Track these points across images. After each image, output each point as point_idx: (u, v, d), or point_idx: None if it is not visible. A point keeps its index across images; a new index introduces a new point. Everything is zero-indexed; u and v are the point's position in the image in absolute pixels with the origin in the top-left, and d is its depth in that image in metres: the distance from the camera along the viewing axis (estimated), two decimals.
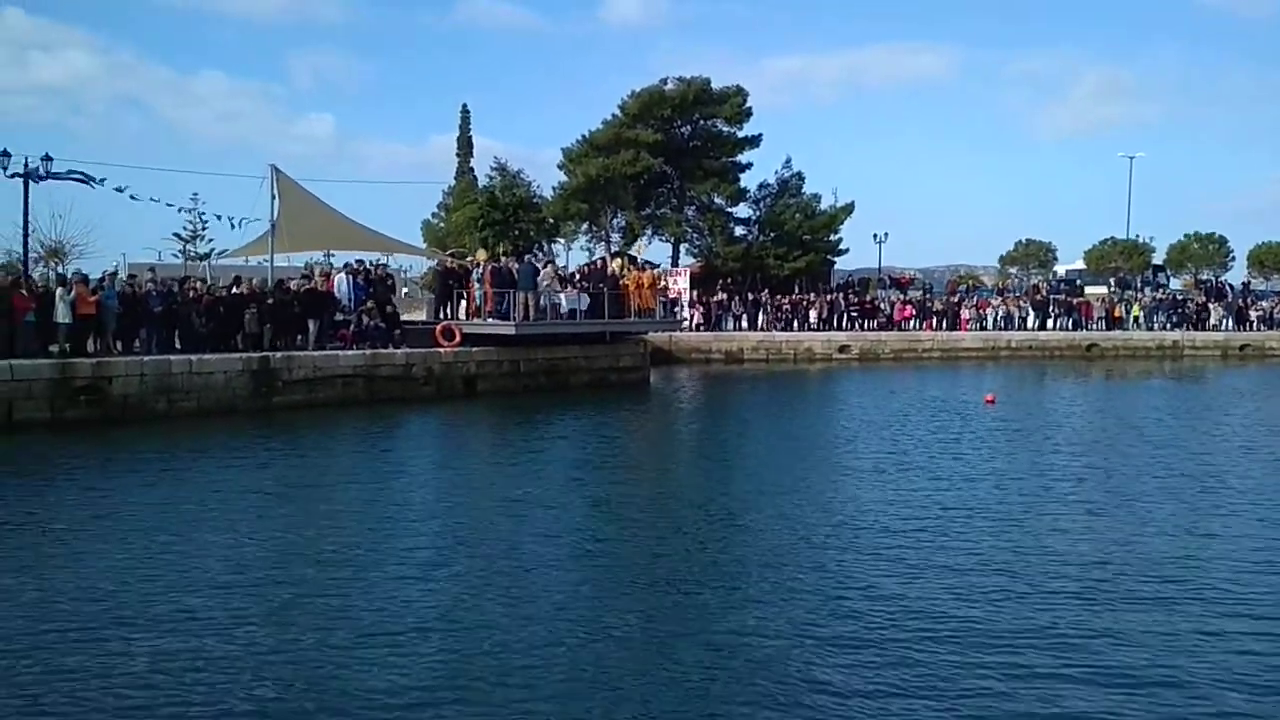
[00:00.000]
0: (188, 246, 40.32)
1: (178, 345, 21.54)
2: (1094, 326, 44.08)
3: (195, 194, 39.92)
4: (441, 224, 59.66)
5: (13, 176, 20.63)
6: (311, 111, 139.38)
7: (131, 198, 25.63)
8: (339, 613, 8.54)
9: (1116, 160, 71.23)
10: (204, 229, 39.73)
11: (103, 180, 23.04)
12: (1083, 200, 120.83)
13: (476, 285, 26.08)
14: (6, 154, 20.52)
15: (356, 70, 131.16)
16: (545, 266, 27.70)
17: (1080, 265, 63.81)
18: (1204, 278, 59.90)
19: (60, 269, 29.88)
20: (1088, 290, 51.09)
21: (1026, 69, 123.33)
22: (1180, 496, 13.58)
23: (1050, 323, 43.94)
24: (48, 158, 21.47)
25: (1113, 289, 51.23)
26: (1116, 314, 44.83)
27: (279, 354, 22.00)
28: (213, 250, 37.20)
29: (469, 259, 29.10)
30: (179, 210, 27.18)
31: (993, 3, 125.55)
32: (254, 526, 11.49)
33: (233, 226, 25.01)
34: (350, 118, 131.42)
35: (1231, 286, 53.84)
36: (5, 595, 8.89)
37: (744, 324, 41.30)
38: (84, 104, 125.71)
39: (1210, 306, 46.80)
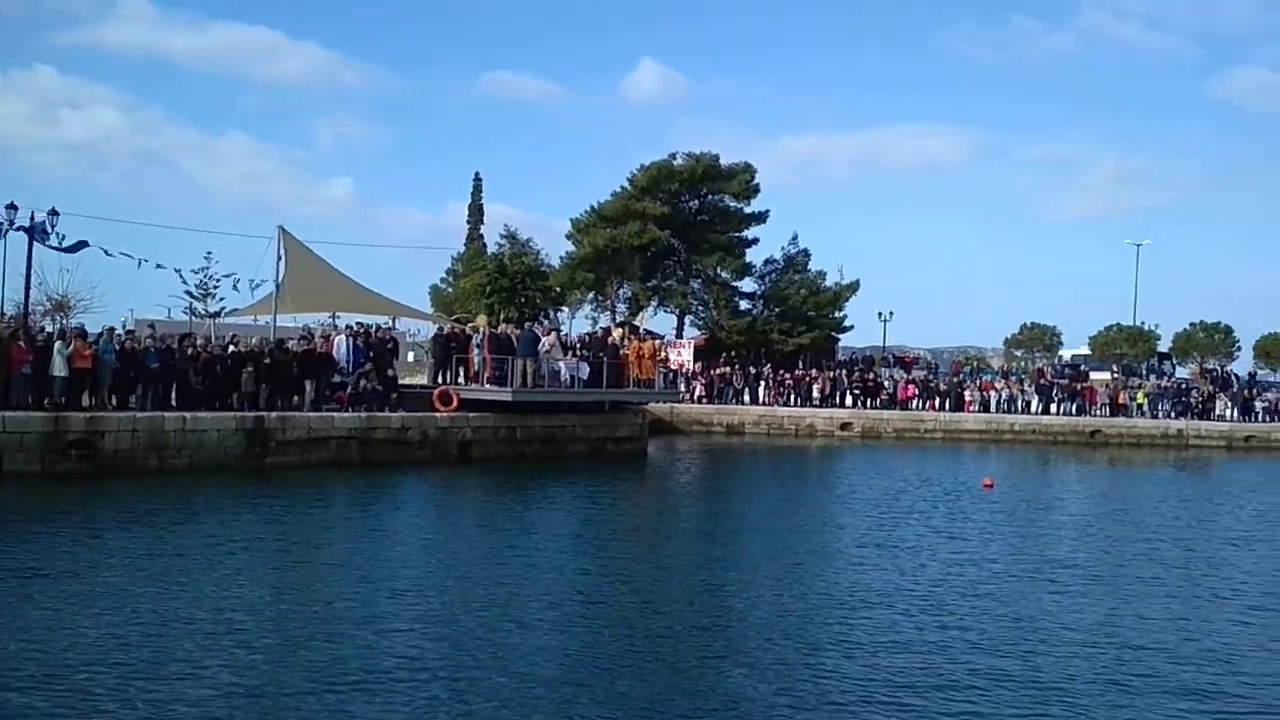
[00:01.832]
0: (195, 305, 40.56)
1: (174, 402, 21.54)
2: (1098, 412, 43.86)
3: (209, 253, 40.32)
4: (449, 289, 60.05)
5: (18, 230, 20.88)
6: (331, 175, 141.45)
7: (141, 261, 26.10)
8: (322, 667, 8.51)
9: (1124, 246, 71.63)
10: (215, 287, 40.07)
11: (88, 246, 23.45)
12: (1089, 285, 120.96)
13: (476, 351, 26.12)
14: (13, 206, 20.80)
15: (377, 136, 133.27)
16: (547, 334, 27.73)
17: (1085, 350, 63.74)
18: (1209, 366, 59.70)
19: (65, 322, 30.04)
20: (1092, 376, 50.96)
21: (1041, 153, 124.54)
22: (1165, 587, 13.44)
23: (1054, 407, 43.75)
24: (54, 212, 21.78)
25: (1116, 375, 51.07)
26: (1121, 400, 44.61)
27: (273, 414, 21.98)
28: (222, 309, 37.41)
29: (470, 324, 29.20)
30: (175, 271, 27.42)
31: (1010, 87, 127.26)
32: (239, 583, 11.41)
33: (234, 287, 25.18)
34: (369, 182, 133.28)
35: (1237, 376, 53.67)
36: None
37: (746, 397, 41.24)
38: (109, 160, 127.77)
39: (1216, 396, 46.59)
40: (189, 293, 39.79)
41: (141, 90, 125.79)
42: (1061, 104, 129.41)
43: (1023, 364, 60.36)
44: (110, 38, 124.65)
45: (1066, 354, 65.06)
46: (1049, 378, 47.44)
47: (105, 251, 25.20)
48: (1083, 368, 54.80)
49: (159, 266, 27.50)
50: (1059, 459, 35.05)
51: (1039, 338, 68.45)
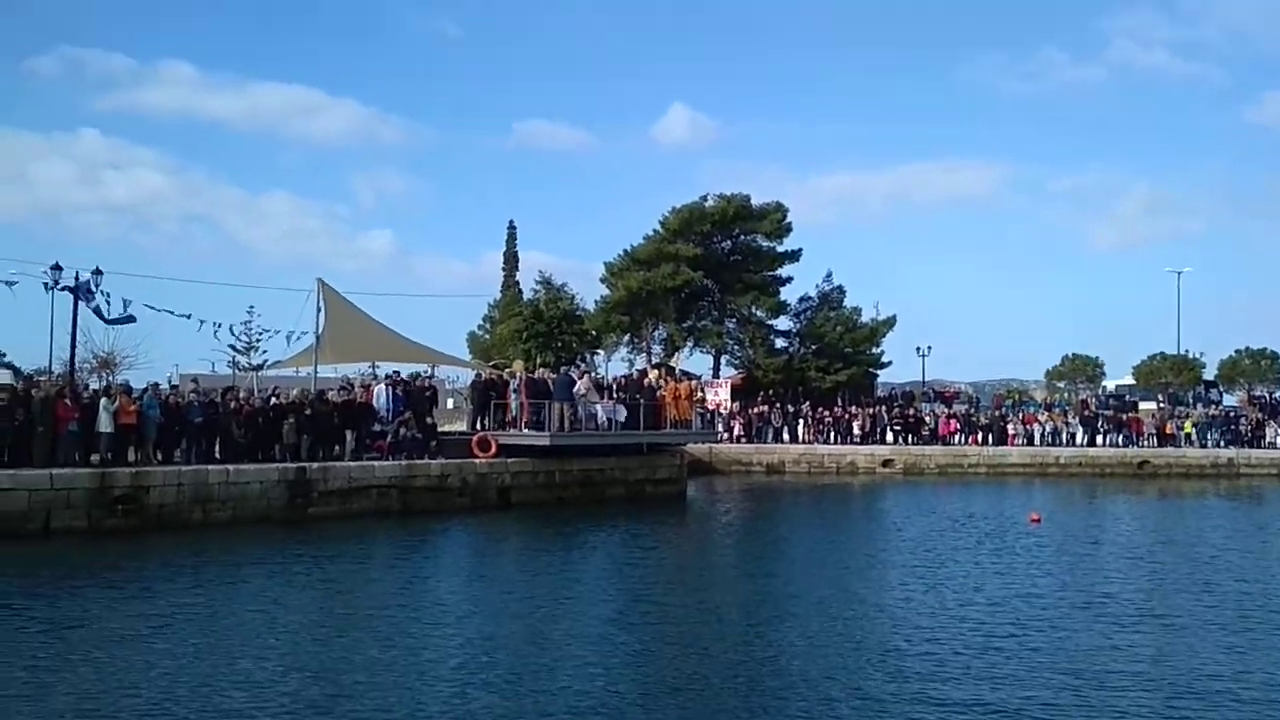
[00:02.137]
0: (237, 358, 41.35)
1: (218, 455, 21.77)
2: (1145, 443, 43.06)
3: (251, 307, 41.27)
4: (487, 336, 60.48)
5: (63, 290, 21.36)
6: (372, 228, 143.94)
7: (182, 316, 26.65)
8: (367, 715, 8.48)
9: (1164, 275, 70.73)
10: (258, 341, 40.93)
11: (134, 321, 24.09)
12: (1131, 315, 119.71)
13: (513, 396, 26.21)
14: (58, 267, 21.30)
15: (415, 189, 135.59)
16: (581, 378, 27.78)
17: (1129, 380, 62.80)
18: (1258, 393, 58.49)
19: (111, 379, 30.60)
20: (1140, 406, 50.14)
21: (1072, 184, 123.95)
22: (1219, 620, 13.10)
23: (1100, 439, 43.02)
24: (98, 271, 22.29)
25: (1163, 405, 50.18)
26: (1168, 430, 43.78)
27: (315, 464, 22.14)
28: (265, 361, 38.09)
29: (507, 370, 29.35)
30: (214, 326, 27.95)
31: (1039, 119, 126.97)
32: (285, 634, 11.50)
33: (265, 337, 25.36)
34: (409, 234, 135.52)
35: None
36: (39, 693, 8.88)
37: (785, 436, 40.96)
38: (153, 221, 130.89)
39: (1266, 423, 45.59)
40: (232, 346, 40.65)
41: (185, 151, 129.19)
42: (1091, 135, 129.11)
43: (1066, 396, 59.53)
44: (152, 100, 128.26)
45: (1110, 384, 64.14)
46: (1094, 409, 46.72)
47: (150, 308, 25.76)
48: (1129, 398, 53.95)
49: (200, 321, 27.97)
50: (1107, 491, 34.35)
51: (1081, 369, 67.57)
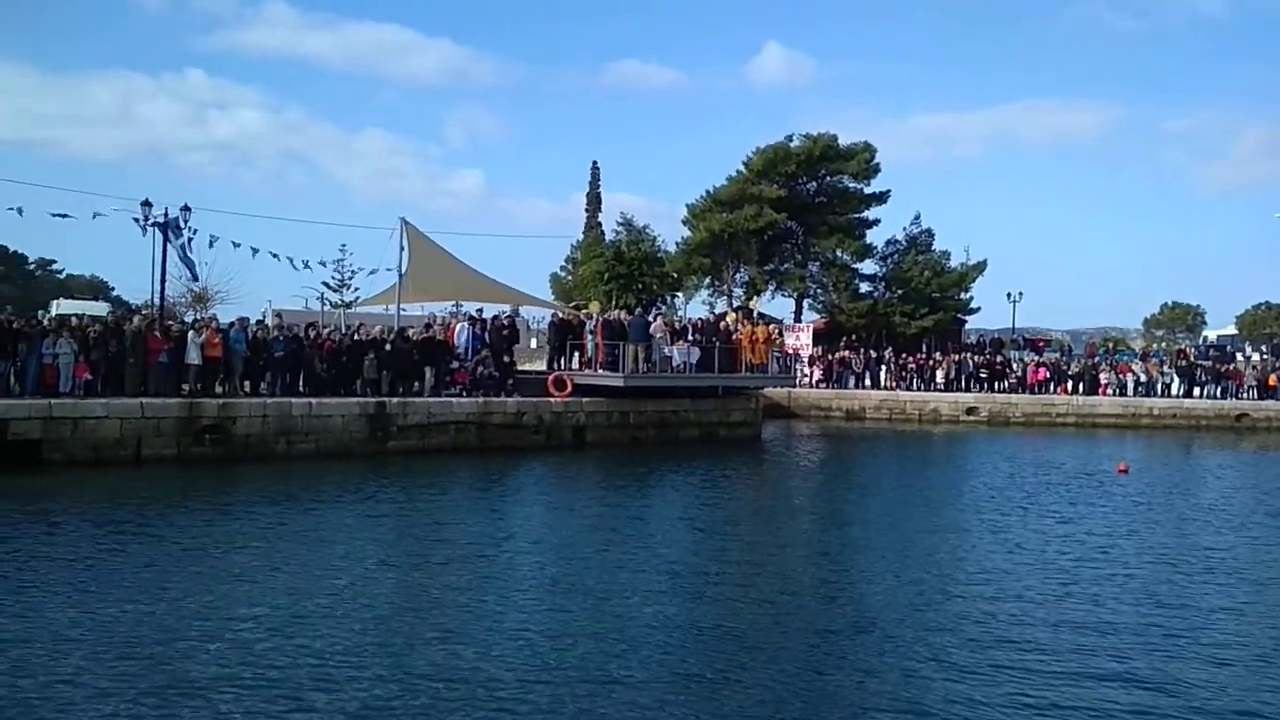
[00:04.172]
0: (329, 295, 42.35)
1: (302, 389, 22.34)
2: (1245, 396, 41.34)
3: (344, 245, 42.26)
4: (569, 277, 60.70)
5: (153, 225, 22.00)
6: (463, 167, 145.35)
7: (272, 253, 27.35)
8: (447, 654, 8.65)
9: (1274, 221, 67.29)
10: (350, 278, 41.93)
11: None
12: (1236, 262, 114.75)
13: (589, 337, 26.28)
14: (148, 204, 21.89)
15: (506, 129, 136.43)
16: (655, 319, 27.70)
17: (1232, 330, 60.25)
18: None
19: (203, 314, 31.56)
20: (1243, 356, 48.10)
21: (1188, 125, 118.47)
22: None
23: (1197, 390, 41.42)
24: (186, 208, 22.84)
25: (1266, 355, 48.04)
26: (1271, 382, 41.93)
27: (395, 399, 22.57)
28: (356, 298, 38.95)
29: (584, 311, 29.42)
30: (293, 262, 28.62)
31: (1153, 57, 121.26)
32: (370, 568, 11.72)
33: (358, 275, 25.69)
34: (498, 174, 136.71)
35: None
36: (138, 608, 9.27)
37: (866, 382, 40.39)
38: (254, 159, 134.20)
39: None
40: (325, 283, 41.62)
41: (283, 90, 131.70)
42: (1209, 73, 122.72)
43: (1164, 345, 57.43)
44: (253, 40, 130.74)
45: (1212, 334, 61.63)
46: (1192, 359, 44.96)
47: (234, 244, 26.46)
48: (1229, 348, 51.79)
49: (287, 259, 28.63)
50: (1201, 444, 33.17)
51: (1181, 317, 65.14)
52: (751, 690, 7.98)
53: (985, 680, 8.30)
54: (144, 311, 24.90)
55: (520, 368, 27.95)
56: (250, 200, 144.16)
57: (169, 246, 22.33)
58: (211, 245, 25.34)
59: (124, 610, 9.57)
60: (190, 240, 23.63)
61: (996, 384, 40.70)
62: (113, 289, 70.19)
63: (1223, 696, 8.11)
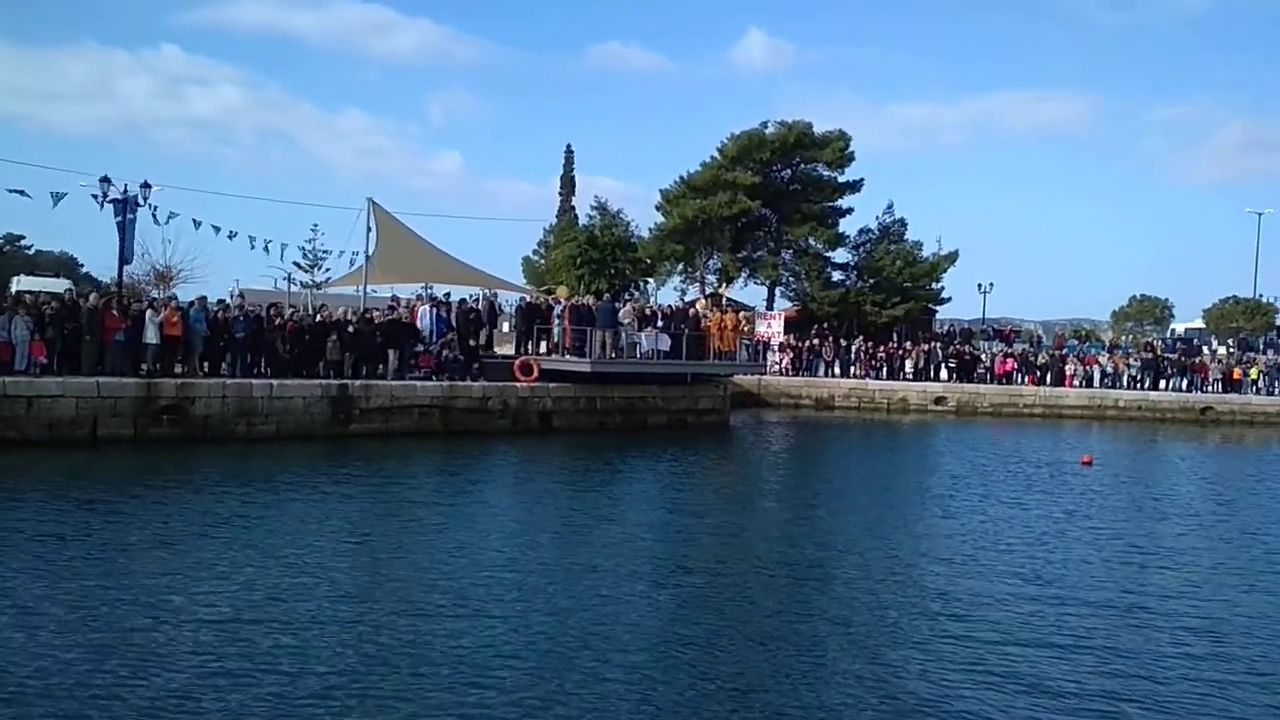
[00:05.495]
0: (299, 275, 42.00)
1: (264, 370, 22.04)
2: (1210, 389, 41.77)
3: (315, 225, 41.90)
4: (541, 261, 60.38)
5: (110, 202, 21.55)
6: (442, 148, 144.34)
7: (230, 233, 27.07)
8: (410, 644, 8.51)
9: (1245, 215, 67.95)
10: (322, 259, 41.58)
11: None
12: (1206, 256, 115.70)
13: (556, 322, 26.11)
14: (106, 180, 21.45)
15: (487, 110, 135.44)
16: (626, 305, 27.57)
17: (1199, 324, 60.76)
18: None
19: (165, 293, 31.12)
20: (1209, 350, 48.56)
21: (1169, 115, 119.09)
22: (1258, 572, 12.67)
23: (1163, 383, 41.79)
24: (146, 185, 22.39)
25: (1231, 350, 48.51)
26: (1235, 376, 42.38)
27: (358, 382, 22.32)
28: (328, 279, 38.64)
29: (551, 296, 29.24)
30: (265, 245, 28.33)
31: (1135, 50, 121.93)
32: (336, 551, 11.61)
33: (329, 256, 25.41)
34: (478, 155, 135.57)
35: None
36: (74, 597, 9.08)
37: (835, 370, 40.44)
38: (234, 136, 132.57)
39: None
40: (296, 263, 41.26)
41: (263, 67, 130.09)
42: (1190, 67, 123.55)
43: (1132, 337, 57.86)
44: (233, 16, 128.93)
45: (1180, 327, 62.13)
46: (1158, 352, 45.34)
47: (195, 222, 26.13)
48: (1195, 342, 52.27)
49: (250, 238, 28.28)
50: (1166, 437, 33.48)
51: (1149, 310, 65.45)
52: (718, 667, 8.15)
53: (942, 652, 8.61)
54: (108, 290, 24.50)
55: (498, 351, 27.72)
56: (229, 178, 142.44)
57: (125, 224, 21.90)
58: (167, 222, 24.94)
59: (90, 585, 9.55)
60: (152, 216, 23.30)
61: (965, 374, 40.87)
62: (82, 266, 69.14)
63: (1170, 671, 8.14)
